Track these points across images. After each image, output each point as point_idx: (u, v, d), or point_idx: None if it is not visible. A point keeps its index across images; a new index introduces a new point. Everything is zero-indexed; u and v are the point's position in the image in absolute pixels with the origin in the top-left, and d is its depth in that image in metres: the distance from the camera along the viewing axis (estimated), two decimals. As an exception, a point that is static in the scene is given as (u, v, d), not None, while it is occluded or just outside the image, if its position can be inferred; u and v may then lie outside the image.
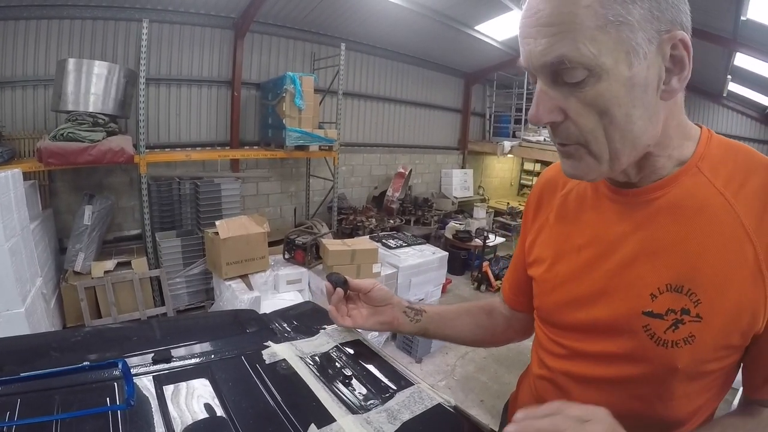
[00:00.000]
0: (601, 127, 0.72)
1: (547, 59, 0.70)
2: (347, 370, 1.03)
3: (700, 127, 0.85)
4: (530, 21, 0.71)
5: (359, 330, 1.22)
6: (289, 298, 4.51)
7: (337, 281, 1.16)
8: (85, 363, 0.91)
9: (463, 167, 10.55)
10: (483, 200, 10.14)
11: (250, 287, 4.45)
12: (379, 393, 0.96)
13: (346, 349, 1.14)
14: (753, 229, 0.73)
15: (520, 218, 7.17)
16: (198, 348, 1.12)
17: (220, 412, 0.87)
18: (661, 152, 0.80)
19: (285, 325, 1.29)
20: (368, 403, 0.93)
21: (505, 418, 1.26)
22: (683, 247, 0.78)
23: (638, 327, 0.81)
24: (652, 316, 0.79)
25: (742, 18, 5.58)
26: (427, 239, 6.84)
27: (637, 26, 0.66)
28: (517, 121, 10.05)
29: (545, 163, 11.06)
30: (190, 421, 0.84)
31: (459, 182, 9.90)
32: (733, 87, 8.81)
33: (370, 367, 1.07)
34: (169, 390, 0.93)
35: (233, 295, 4.31)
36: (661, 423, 0.86)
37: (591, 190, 0.95)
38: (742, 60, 7.03)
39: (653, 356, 0.81)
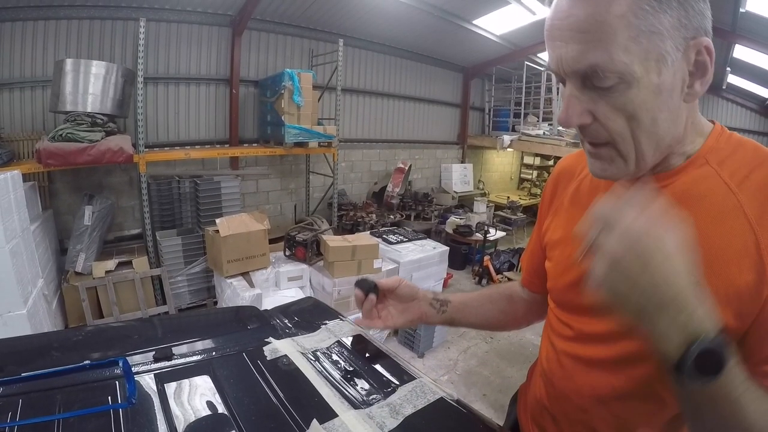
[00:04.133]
0: (629, 130, 0.75)
1: (579, 66, 0.72)
2: (349, 365, 1.03)
3: (714, 123, 0.87)
4: (561, 24, 0.72)
5: (359, 326, 1.22)
6: (290, 294, 4.51)
7: (368, 287, 1.14)
8: (86, 362, 0.91)
9: (462, 162, 10.53)
10: (483, 194, 10.12)
11: (251, 284, 4.45)
12: (381, 388, 0.96)
13: (348, 344, 1.14)
14: (755, 218, 0.74)
15: (520, 212, 7.20)
16: (199, 345, 1.12)
17: (222, 409, 0.87)
18: (677, 149, 0.83)
19: (286, 321, 1.29)
20: (370, 398, 0.92)
21: (513, 409, 1.28)
22: None
23: None
24: None
25: (741, 10, 5.57)
26: (427, 234, 6.85)
27: (667, 35, 0.68)
28: (516, 115, 10.02)
29: (545, 157, 11.08)
30: (192, 419, 0.84)
31: (459, 177, 9.89)
32: (733, 79, 8.78)
33: (372, 362, 1.07)
34: (170, 387, 0.93)
35: (234, 293, 4.31)
36: (664, 407, 0.87)
37: None
38: (741, 52, 7.01)
39: None
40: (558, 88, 8.04)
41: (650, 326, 0.64)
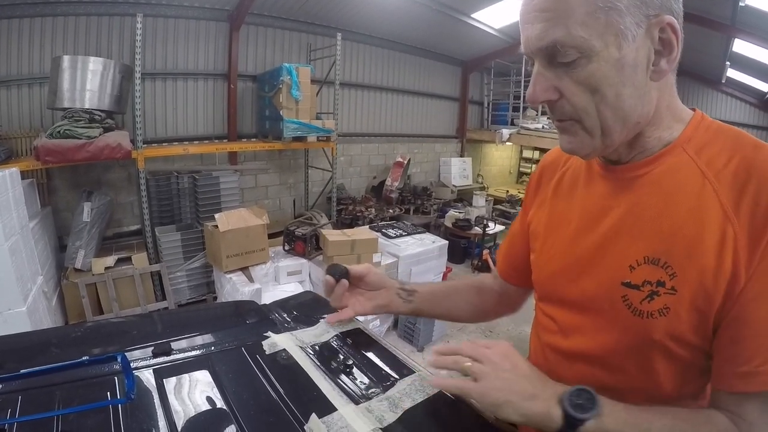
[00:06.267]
0: (593, 105, 0.76)
1: (542, 44, 0.75)
2: (348, 359, 1.03)
3: (695, 111, 0.87)
4: (528, 8, 0.76)
5: (359, 318, 1.22)
6: (289, 289, 4.51)
7: (340, 272, 1.14)
8: (85, 358, 0.91)
9: (461, 156, 10.53)
10: (482, 188, 10.12)
11: (250, 279, 4.46)
12: (380, 381, 0.96)
13: (347, 338, 1.14)
14: (732, 208, 0.75)
15: (520, 206, 7.25)
16: (198, 340, 1.12)
17: (220, 403, 0.87)
18: (651, 133, 0.83)
19: (285, 315, 1.29)
20: (369, 391, 0.92)
21: None
22: (662, 222, 0.81)
23: (617, 297, 0.84)
24: (629, 287, 0.83)
25: (741, 4, 5.55)
26: (426, 228, 6.85)
27: (626, 11, 0.71)
28: (516, 109, 10.02)
29: (544, 151, 11.04)
30: (191, 414, 0.84)
31: (458, 171, 9.88)
32: (732, 73, 8.76)
33: (371, 356, 1.07)
34: (170, 383, 0.93)
35: (234, 288, 4.31)
36: (648, 400, 0.86)
37: (585, 168, 0.98)
38: (740, 46, 6.98)
39: (630, 326, 0.83)
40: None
41: (529, 415, 0.78)
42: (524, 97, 9.60)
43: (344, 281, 1.14)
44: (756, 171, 0.74)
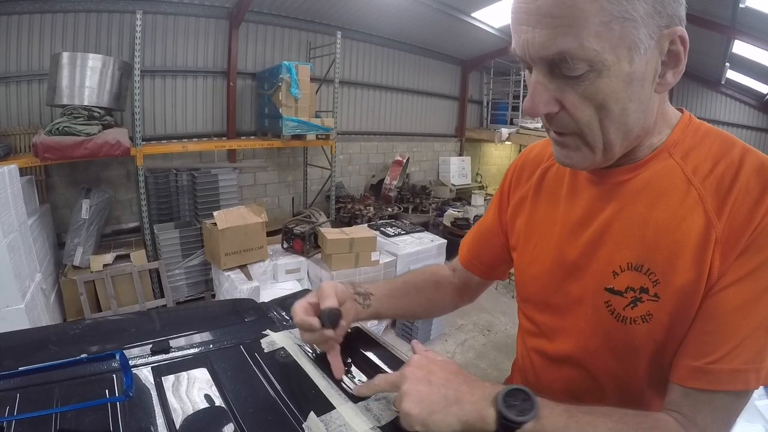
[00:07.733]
0: (597, 120, 0.72)
1: (547, 53, 0.68)
2: (346, 357, 1.03)
3: (682, 112, 0.85)
4: (528, 8, 0.67)
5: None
6: (288, 287, 4.51)
7: (335, 318, 0.96)
8: (83, 355, 0.91)
9: (460, 155, 10.53)
10: (481, 187, 10.13)
11: (249, 277, 4.46)
12: (379, 380, 0.96)
13: (345, 336, 1.14)
14: (715, 213, 0.73)
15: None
16: (197, 338, 1.12)
17: (219, 401, 0.87)
18: (645, 141, 0.81)
19: (283, 313, 1.29)
20: (368, 390, 0.92)
21: None
22: (646, 228, 0.79)
23: (600, 302, 0.83)
24: (613, 293, 0.82)
25: (741, 5, 5.55)
26: (425, 227, 6.84)
27: (641, 22, 0.65)
28: (515, 108, 10.02)
29: (543, 150, 11.04)
30: (189, 411, 0.84)
31: (457, 170, 9.89)
32: (732, 75, 8.76)
33: (370, 355, 1.06)
34: (168, 380, 0.92)
35: (232, 286, 4.31)
36: (639, 402, 0.87)
37: (570, 170, 0.95)
38: (740, 48, 6.97)
39: (613, 332, 0.82)
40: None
41: (460, 420, 0.71)
42: (523, 97, 9.61)
43: (342, 324, 0.98)
44: (740, 177, 0.73)
